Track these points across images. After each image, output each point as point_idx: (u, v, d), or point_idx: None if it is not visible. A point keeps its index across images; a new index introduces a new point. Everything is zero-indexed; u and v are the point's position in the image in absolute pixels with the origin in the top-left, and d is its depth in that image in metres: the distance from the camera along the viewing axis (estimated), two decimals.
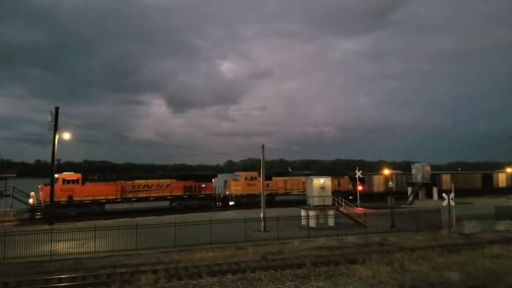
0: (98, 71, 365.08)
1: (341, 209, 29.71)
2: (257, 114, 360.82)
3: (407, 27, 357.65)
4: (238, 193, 42.60)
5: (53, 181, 29.44)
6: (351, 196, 45.90)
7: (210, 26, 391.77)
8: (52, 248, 18.90)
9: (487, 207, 37.11)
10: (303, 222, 26.64)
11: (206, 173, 55.19)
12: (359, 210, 35.84)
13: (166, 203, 40.55)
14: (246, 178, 43.46)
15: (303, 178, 45.82)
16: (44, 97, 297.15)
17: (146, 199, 38.59)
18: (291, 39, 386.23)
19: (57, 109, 29.32)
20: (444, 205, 26.56)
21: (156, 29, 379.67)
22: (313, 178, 30.06)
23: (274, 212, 29.46)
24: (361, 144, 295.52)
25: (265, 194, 28.98)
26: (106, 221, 29.63)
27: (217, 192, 43.06)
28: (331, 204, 29.15)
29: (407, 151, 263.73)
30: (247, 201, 41.88)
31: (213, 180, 43.45)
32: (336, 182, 46.13)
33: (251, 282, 14.13)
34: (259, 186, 37.86)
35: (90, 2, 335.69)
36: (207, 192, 41.62)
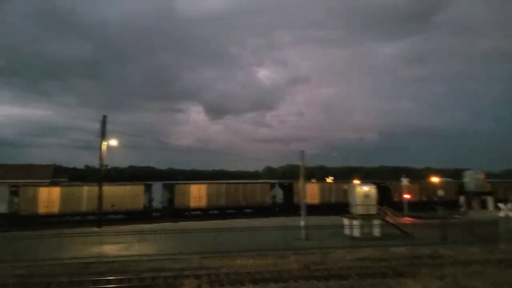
0: (139, 81, 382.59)
1: (387, 218, 28.43)
2: (295, 119, 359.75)
3: (452, 29, 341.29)
4: None
5: (101, 186, 30.60)
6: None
7: (247, 34, 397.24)
8: (100, 250, 19.65)
9: None
10: (347, 231, 25.75)
11: None
12: (407, 220, 34.14)
13: None
14: None
15: None
16: (91, 106, 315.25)
17: None
18: (328, 44, 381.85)
19: (104, 117, 30.69)
20: (502, 215, 24.61)
21: (193, 40, 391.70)
22: (356, 186, 29.03)
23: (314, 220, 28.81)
24: (407, 150, 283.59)
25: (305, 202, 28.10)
26: (150, 225, 30.42)
27: None
28: (376, 213, 27.99)
29: (457, 157, 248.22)
30: None
31: None
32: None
33: None
34: None
35: (132, 19, 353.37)
36: None
